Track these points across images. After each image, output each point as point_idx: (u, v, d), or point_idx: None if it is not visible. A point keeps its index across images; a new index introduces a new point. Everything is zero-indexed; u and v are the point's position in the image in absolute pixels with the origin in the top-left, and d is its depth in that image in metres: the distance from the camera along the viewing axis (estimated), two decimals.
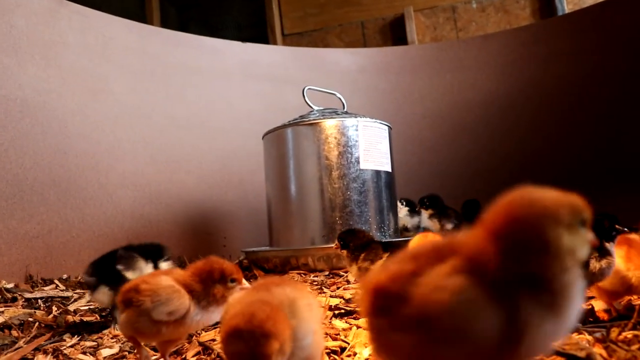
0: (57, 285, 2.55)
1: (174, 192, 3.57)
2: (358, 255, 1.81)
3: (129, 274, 1.74)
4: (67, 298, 2.29)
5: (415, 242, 1.50)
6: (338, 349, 1.32)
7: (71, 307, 2.11)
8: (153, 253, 1.92)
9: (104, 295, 1.72)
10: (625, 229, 1.38)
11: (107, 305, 1.76)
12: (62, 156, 3.00)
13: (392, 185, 2.91)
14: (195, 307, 1.18)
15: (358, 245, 1.86)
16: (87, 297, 2.30)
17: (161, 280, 1.18)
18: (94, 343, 1.57)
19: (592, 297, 1.68)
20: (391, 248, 1.77)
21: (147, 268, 1.82)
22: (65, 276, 2.79)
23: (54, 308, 2.09)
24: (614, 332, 1.18)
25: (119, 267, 1.77)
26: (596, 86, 4.02)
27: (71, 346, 1.56)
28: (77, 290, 2.48)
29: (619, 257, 1.41)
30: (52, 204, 2.91)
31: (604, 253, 1.34)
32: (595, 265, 1.31)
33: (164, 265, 1.89)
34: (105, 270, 1.78)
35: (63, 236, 2.93)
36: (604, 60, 3.99)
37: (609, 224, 1.36)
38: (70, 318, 1.90)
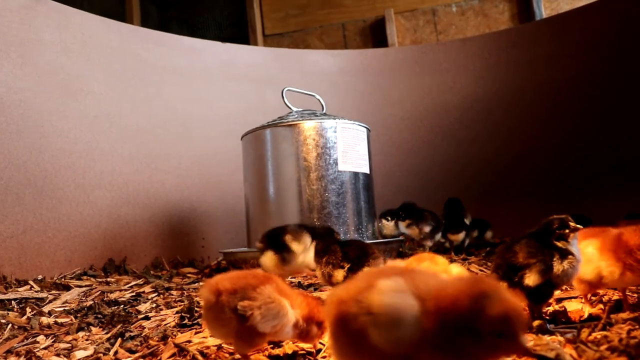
0: (32, 287, 2.52)
1: (152, 192, 3.54)
2: (321, 259, 1.80)
3: (294, 245, 2.07)
4: (42, 299, 2.27)
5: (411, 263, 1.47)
6: (314, 350, 1.33)
7: (45, 309, 2.08)
8: (322, 236, 2.15)
9: (270, 259, 2.09)
10: (580, 227, 1.40)
11: (270, 270, 2.05)
12: (37, 155, 2.96)
13: (370, 187, 2.92)
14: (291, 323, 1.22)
15: (322, 249, 1.85)
16: (63, 298, 2.28)
17: (268, 291, 1.19)
18: (68, 345, 1.55)
19: (564, 299, 1.70)
20: (351, 249, 1.77)
21: (311, 246, 2.10)
22: (40, 277, 2.76)
23: (28, 309, 2.06)
24: (584, 333, 1.20)
25: (287, 237, 2.09)
26: (573, 90, 4.08)
27: (44, 348, 1.54)
28: (52, 292, 2.45)
29: (595, 249, 1.44)
30: (27, 204, 2.87)
31: (564, 254, 1.36)
32: (558, 267, 1.33)
33: None
34: (274, 239, 2.13)
35: (38, 237, 2.89)
36: (580, 64, 4.05)
37: (558, 224, 1.39)
38: (44, 320, 1.88)
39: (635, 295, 1.63)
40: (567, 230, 1.37)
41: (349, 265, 1.72)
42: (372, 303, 0.82)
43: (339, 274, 1.72)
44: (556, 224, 1.39)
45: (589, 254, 1.44)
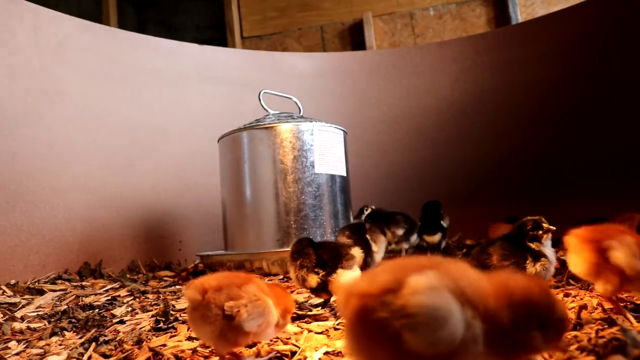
0: (4, 291, 2.48)
1: (128, 195, 3.51)
2: (295, 262, 1.80)
3: (374, 246, 2.21)
4: (15, 304, 2.23)
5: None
6: (289, 352, 1.33)
7: (18, 314, 2.05)
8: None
9: (357, 253, 2.08)
10: (553, 228, 1.42)
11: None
12: (10, 158, 2.92)
13: (346, 189, 2.93)
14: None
15: (295, 251, 1.85)
16: (36, 302, 2.25)
17: (253, 290, 1.20)
18: (41, 350, 1.54)
19: None
20: (324, 251, 1.77)
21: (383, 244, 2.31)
22: (12, 281, 2.72)
23: (0, 315, 2.03)
24: None
25: (368, 235, 2.21)
26: (549, 92, 4.13)
27: (16, 354, 1.52)
28: (26, 296, 2.42)
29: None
30: (0, 207, 2.83)
31: (537, 256, 1.38)
32: (531, 270, 1.35)
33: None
34: (360, 234, 2.23)
35: (11, 240, 2.86)
36: (555, 68, 4.11)
37: (532, 226, 1.41)
38: (16, 325, 1.86)
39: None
40: (540, 232, 1.39)
41: (323, 273, 1.72)
42: (406, 304, 0.76)
43: (313, 280, 1.73)
44: (529, 225, 1.41)
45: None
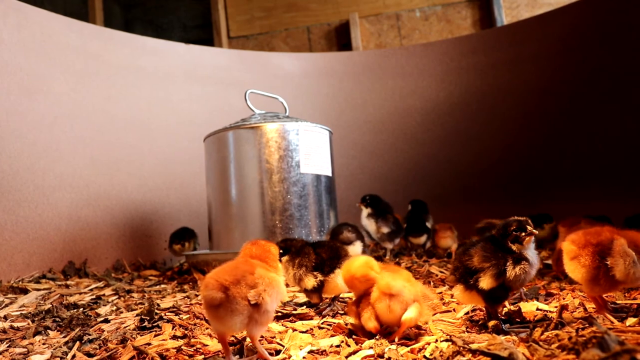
0: None
1: (113, 194, 3.50)
2: (294, 260, 1.81)
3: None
4: None
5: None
6: (273, 351, 1.34)
7: (1, 313, 2.04)
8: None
9: (358, 247, 2.37)
10: (536, 232, 1.43)
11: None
12: None
13: (332, 189, 2.94)
14: None
15: (296, 250, 1.86)
16: (20, 301, 2.24)
17: (262, 272, 1.29)
18: (24, 349, 1.53)
19: (519, 300, 1.75)
20: (324, 250, 1.79)
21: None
22: None
23: None
24: (536, 332, 1.23)
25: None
26: (531, 94, 4.18)
27: None
28: (9, 295, 2.40)
29: None
30: None
31: (518, 259, 1.38)
32: (511, 272, 1.36)
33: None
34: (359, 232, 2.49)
35: None
36: (539, 69, 4.15)
37: (516, 226, 1.42)
38: None
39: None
40: (523, 234, 1.40)
41: (321, 277, 1.73)
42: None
43: (310, 282, 1.73)
44: (514, 225, 1.41)
45: None
